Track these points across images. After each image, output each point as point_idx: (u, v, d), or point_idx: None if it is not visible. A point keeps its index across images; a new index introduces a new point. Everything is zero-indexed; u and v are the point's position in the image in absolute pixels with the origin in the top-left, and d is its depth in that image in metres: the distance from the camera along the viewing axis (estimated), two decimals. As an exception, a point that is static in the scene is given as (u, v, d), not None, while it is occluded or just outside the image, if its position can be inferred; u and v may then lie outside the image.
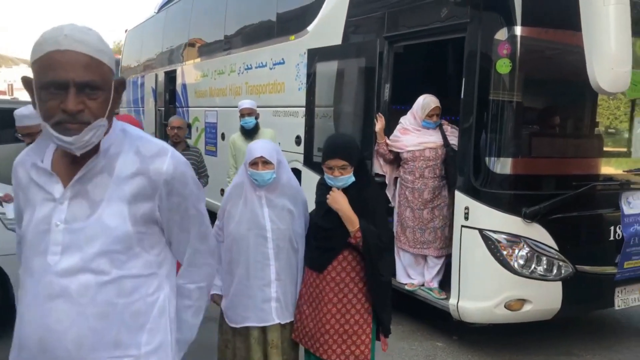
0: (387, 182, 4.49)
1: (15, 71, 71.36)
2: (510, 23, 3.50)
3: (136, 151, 1.36)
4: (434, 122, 4.13)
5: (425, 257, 4.30)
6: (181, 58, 9.16)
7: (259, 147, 2.58)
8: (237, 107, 6.90)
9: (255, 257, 2.56)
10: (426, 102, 4.12)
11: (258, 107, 6.47)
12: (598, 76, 2.80)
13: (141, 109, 11.07)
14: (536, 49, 3.57)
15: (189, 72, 8.77)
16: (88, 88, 1.23)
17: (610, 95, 3.23)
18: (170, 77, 9.46)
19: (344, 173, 2.51)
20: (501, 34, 3.53)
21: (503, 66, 3.53)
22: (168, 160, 1.37)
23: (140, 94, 11.24)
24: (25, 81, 1.29)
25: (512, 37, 3.49)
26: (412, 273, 4.37)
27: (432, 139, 4.11)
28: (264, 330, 2.60)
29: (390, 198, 4.45)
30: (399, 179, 4.34)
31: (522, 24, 3.47)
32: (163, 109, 9.82)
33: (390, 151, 4.33)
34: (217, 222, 2.75)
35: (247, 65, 6.82)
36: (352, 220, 2.46)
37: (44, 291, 1.27)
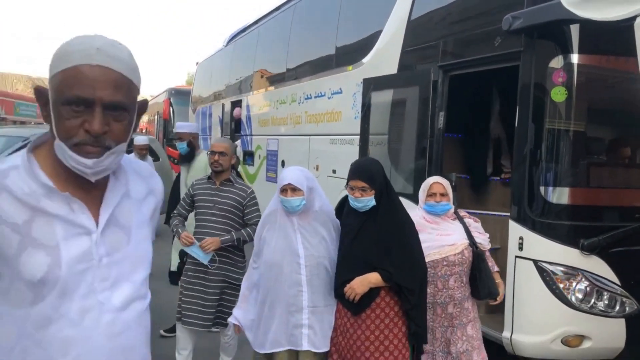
0: None
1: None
2: (565, 51, 3.45)
3: (135, 171, 1.28)
4: (436, 204, 3.08)
5: None
6: (246, 88, 9.56)
7: (288, 174, 2.65)
8: (298, 135, 7.16)
9: (289, 283, 2.59)
10: (426, 181, 3.22)
11: (317, 135, 6.65)
12: (655, 103, 2.72)
13: (208, 136, 11.57)
14: (592, 76, 3.49)
15: (253, 102, 9.13)
16: (115, 109, 1.10)
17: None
18: (236, 106, 9.87)
19: (364, 195, 2.58)
20: (556, 62, 3.48)
21: (558, 94, 3.47)
22: (159, 178, 1.38)
23: (208, 123, 11.77)
24: (39, 92, 1.14)
25: (567, 65, 3.44)
26: None
27: (454, 237, 3.09)
28: (296, 355, 2.61)
29: None
30: None
31: (577, 52, 3.41)
32: (229, 137, 10.23)
33: None
34: (254, 249, 2.82)
35: (307, 95, 7.03)
36: (374, 282, 2.56)
37: (106, 332, 1.15)
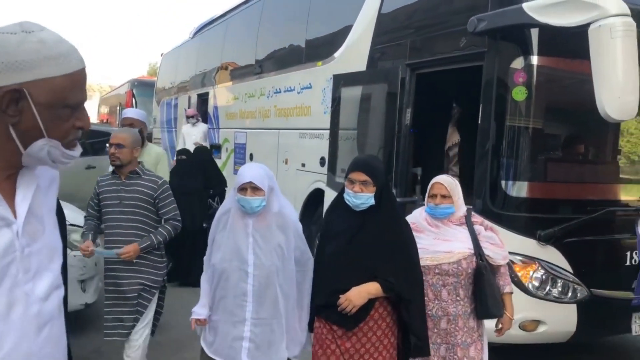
0: None
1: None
2: (526, 52, 3.65)
3: None
4: (435, 206, 2.74)
5: None
6: (213, 81, 9.54)
7: (249, 171, 2.41)
8: (267, 129, 7.23)
9: (234, 292, 2.39)
10: (431, 181, 2.88)
11: (286, 129, 6.75)
12: (606, 105, 2.93)
13: (174, 129, 11.48)
14: (551, 77, 3.71)
15: (220, 95, 9.13)
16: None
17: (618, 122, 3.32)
18: (203, 99, 9.85)
19: (365, 190, 2.35)
20: (517, 63, 3.68)
21: (519, 93, 3.67)
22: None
23: (173, 115, 11.68)
24: (17, 92, 1.05)
25: (527, 66, 3.64)
26: None
27: (453, 245, 2.72)
28: None
29: None
30: None
31: (538, 54, 3.62)
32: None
33: None
34: (207, 250, 2.62)
35: (276, 89, 7.11)
36: (374, 292, 2.35)
37: (33, 324, 1.14)
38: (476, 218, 2.87)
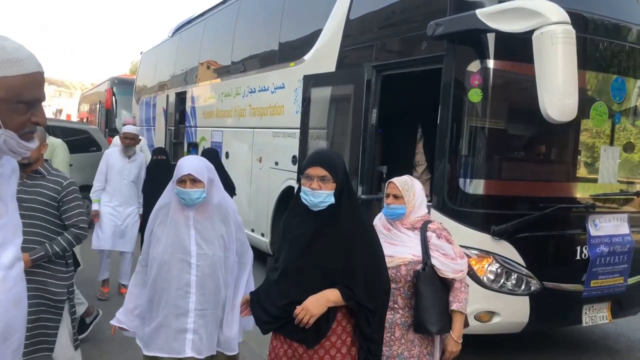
0: None
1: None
2: (481, 56, 3.83)
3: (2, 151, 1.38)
4: (386, 206, 2.66)
5: None
6: (192, 80, 9.62)
7: (188, 164, 2.40)
8: (242, 128, 7.35)
9: (177, 283, 2.37)
10: (387, 182, 2.77)
11: (260, 127, 6.88)
12: (547, 107, 3.12)
13: (152, 128, 11.53)
14: (506, 80, 3.89)
15: (198, 94, 9.21)
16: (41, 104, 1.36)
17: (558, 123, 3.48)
18: (181, 98, 9.92)
19: (323, 187, 2.09)
20: (473, 66, 3.86)
21: (474, 95, 3.85)
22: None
23: (152, 114, 11.72)
24: None
25: (483, 69, 3.83)
26: None
27: (397, 249, 2.59)
28: None
29: None
30: None
31: (493, 57, 3.80)
32: (173, 128, 10.26)
33: None
34: (143, 246, 2.58)
35: (251, 89, 7.23)
36: (333, 300, 2.08)
37: (1, 288, 1.34)
38: (434, 225, 2.66)
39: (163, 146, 10.44)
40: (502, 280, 3.93)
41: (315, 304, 2.06)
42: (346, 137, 5.06)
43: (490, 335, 4.16)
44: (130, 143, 5.53)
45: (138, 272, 2.62)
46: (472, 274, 3.87)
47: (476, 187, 3.94)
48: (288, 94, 6.22)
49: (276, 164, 6.45)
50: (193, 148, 9.04)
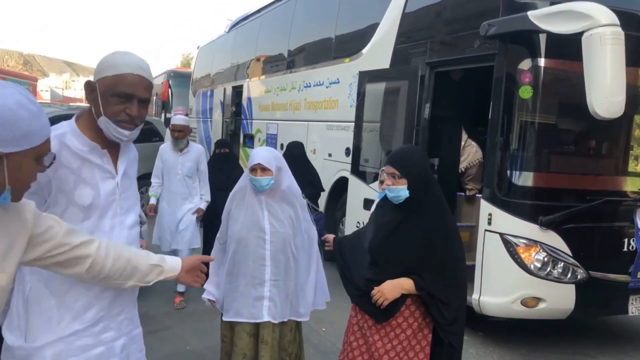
0: None
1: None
2: (532, 55, 4.02)
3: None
4: (382, 191, 2.72)
5: None
6: (247, 74, 10.06)
7: (258, 154, 2.73)
8: (297, 121, 7.71)
9: (254, 257, 2.72)
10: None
11: (314, 120, 7.22)
12: (595, 104, 3.30)
13: (209, 119, 12.07)
14: (554, 77, 4.05)
15: (254, 88, 9.64)
16: (144, 102, 1.68)
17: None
18: (237, 91, 10.38)
19: (395, 183, 2.32)
20: (524, 65, 4.06)
21: (525, 92, 4.05)
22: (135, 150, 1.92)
23: (209, 106, 12.26)
24: (89, 84, 1.66)
25: (533, 67, 4.01)
26: None
27: None
28: (256, 325, 2.75)
29: None
30: None
31: (543, 56, 3.98)
32: (229, 120, 10.75)
33: None
34: (221, 225, 2.92)
35: (306, 84, 7.57)
36: (407, 288, 2.30)
37: (123, 242, 1.69)
38: None
39: (220, 137, 10.97)
40: (548, 268, 4.12)
41: (390, 289, 2.30)
42: (399, 131, 5.33)
43: (537, 321, 4.36)
44: (179, 135, 5.09)
45: (217, 249, 2.96)
46: (519, 261, 4.10)
47: (525, 179, 4.15)
48: (342, 88, 6.52)
49: (329, 155, 6.77)
50: (249, 140, 9.49)
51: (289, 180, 2.82)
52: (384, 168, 2.92)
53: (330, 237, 2.84)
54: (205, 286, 2.89)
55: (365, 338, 2.43)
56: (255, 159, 2.69)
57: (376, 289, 2.32)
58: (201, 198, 5.18)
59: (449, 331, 2.33)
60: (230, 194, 2.89)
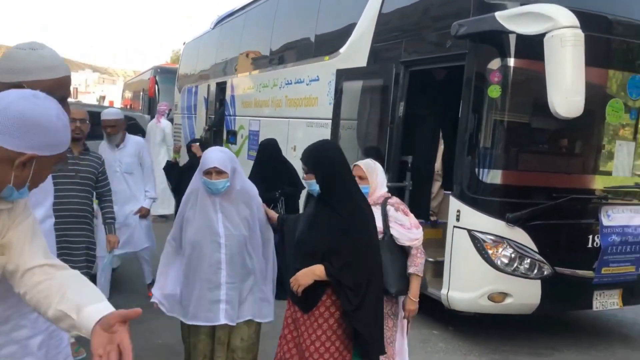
0: None
1: (81, 75, 75.59)
2: (501, 55, 4.11)
3: None
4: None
5: None
6: (231, 71, 10.09)
7: (212, 156, 2.63)
8: (278, 117, 7.77)
9: (209, 261, 2.69)
10: (352, 165, 3.01)
11: (295, 118, 7.28)
12: (556, 104, 3.40)
13: (193, 115, 12.08)
14: (523, 77, 4.15)
15: (237, 84, 9.67)
16: None
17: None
18: (221, 87, 10.41)
19: (307, 178, 2.52)
20: (493, 64, 4.14)
21: (494, 91, 4.14)
22: None
23: (193, 102, 12.27)
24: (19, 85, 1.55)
25: (502, 67, 4.10)
26: None
27: None
28: (213, 327, 2.77)
29: None
30: None
31: (511, 56, 4.07)
32: (213, 116, 10.78)
33: None
34: (173, 227, 2.87)
35: (287, 81, 7.63)
36: (319, 274, 2.39)
37: None
38: (392, 200, 2.99)
39: (203, 133, 11.00)
40: (515, 264, 4.22)
41: (303, 276, 2.42)
42: (374, 129, 5.41)
43: (507, 315, 4.46)
44: (112, 131, 4.61)
45: (168, 252, 2.93)
46: (487, 257, 4.20)
47: (492, 177, 4.24)
48: (322, 86, 6.58)
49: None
50: (232, 136, 9.53)
51: (242, 180, 2.78)
52: (358, 164, 3.05)
53: (274, 215, 2.89)
54: (152, 290, 2.97)
55: (298, 330, 2.52)
56: (210, 161, 2.61)
57: (293, 277, 2.45)
58: (145, 195, 4.79)
59: (355, 317, 2.38)
60: (184, 196, 2.84)
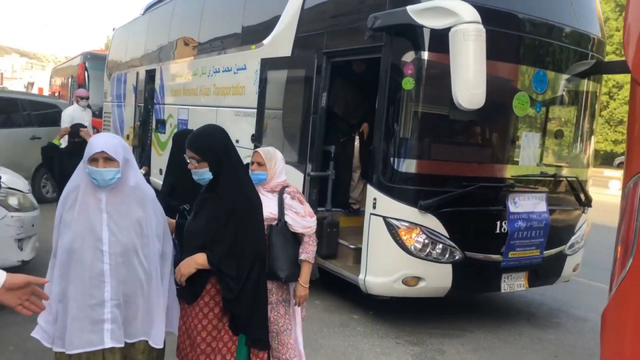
0: None
1: (7, 60, 71.25)
2: (414, 48, 4.25)
3: None
4: (252, 172, 2.95)
5: None
6: (161, 58, 9.85)
7: (101, 141, 2.18)
8: (206, 106, 7.67)
9: (90, 273, 2.15)
10: (253, 151, 3.14)
11: (223, 106, 7.22)
12: (459, 96, 3.57)
13: (123, 104, 11.72)
14: (435, 70, 4.29)
15: (166, 72, 9.46)
16: None
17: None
18: (150, 75, 10.14)
19: (197, 167, 2.36)
20: (407, 56, 4.28)
21: (407, 83, 4.28)
22: None
23: (123, 90, 11.89)
24: None
25: (415, 60, 4.24)
26: None
27: (266, 209, 2.70)
28: (101, 353, 2.20)
29: None
30: None
31: (424, 49, 4.22)
32: (142, 105, 10.49)
33: None
34: (54, 236, 2.30)
35: (216, 69, 7.54)
36: (201, 263, 2.33)
37: None
38: (290, 188, 3.02)
39: (132, 123, 10.70)
40: (427, 249, 4.40)
41: (185, 265, 2.35)
42: (298, 117, 5.45)
43: (425, 299, 4.65)
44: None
45: (52, 267, 2.30)
46: (401, 243, 4.36)
47: (406, 166, 4.39)
48: (249, 75, 6.56)
49: (237, 141, 6.79)
50: (161, 125, 9.32)
51: (137, 176, 2.29)
52: (258, 151, 3.06)
53: (172, 222, 2.70)
54: (38, 319, 2.26)
55: (184, 321, 2.48)
56: (97, 146, 2.14)
57: (176, 268, 2.37)
58: None
59: (234, 306, 2.35)
60: (62, 195, 2.30)
